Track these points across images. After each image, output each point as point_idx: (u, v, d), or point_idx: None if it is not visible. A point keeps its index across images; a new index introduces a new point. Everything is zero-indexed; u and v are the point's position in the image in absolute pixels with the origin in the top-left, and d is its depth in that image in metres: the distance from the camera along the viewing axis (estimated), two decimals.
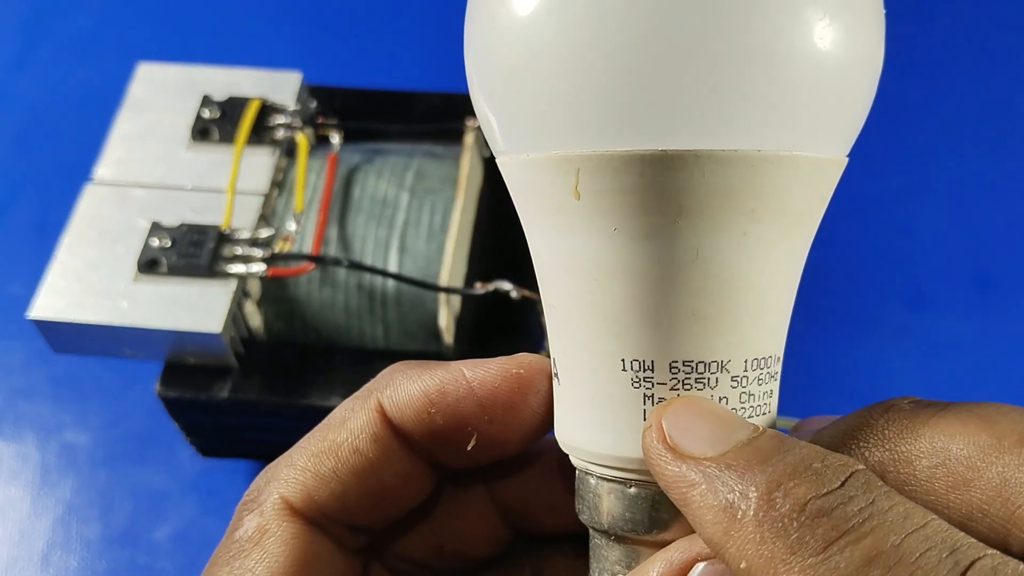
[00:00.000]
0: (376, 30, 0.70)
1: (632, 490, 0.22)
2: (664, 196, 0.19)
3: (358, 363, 0.46)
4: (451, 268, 0.46)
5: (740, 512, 0.18)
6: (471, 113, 0.50)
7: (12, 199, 0.63)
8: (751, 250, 0.20)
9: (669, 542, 0.21)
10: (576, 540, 0.25)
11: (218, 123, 0.49)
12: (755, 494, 0.18)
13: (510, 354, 0.24)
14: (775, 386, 0.22)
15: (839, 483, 0.18)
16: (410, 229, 0.47)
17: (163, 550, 0.50)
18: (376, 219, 0.48)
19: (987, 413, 0.20)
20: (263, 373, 0.45)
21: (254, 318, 0.46)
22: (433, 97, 0.53)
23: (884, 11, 0.21)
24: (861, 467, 0.18)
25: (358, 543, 0.26)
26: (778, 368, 0.22)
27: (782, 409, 0.23)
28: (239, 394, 0.45)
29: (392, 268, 0.47)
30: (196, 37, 0.70)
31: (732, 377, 0.21)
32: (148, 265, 0.44)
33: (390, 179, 0.49)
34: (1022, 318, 0.57)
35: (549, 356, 0.23)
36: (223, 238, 0.45)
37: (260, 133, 0.49)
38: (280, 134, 0.49)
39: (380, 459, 0.24)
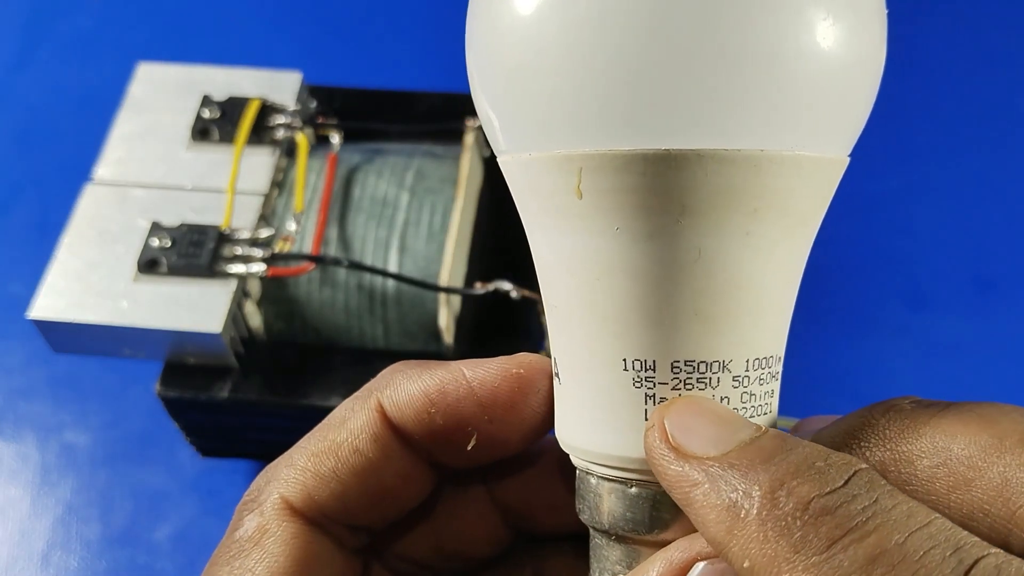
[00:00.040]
0: (376, 30, 0.70)
1: (633, 490, 0.22)
2: (666, 195, 0.19)
3: (358, 363, 0.46)
4: (451, 268, 0.46)
5: (743, 511, 0.18)
6: (471, 113, 0.50)
7: (12, 199, 0.63)
8: (753, 250, 0.20)
9: (669, 542, 0.21)
10: (577, 540, 0.25)
11: (218, 123, 0.49)
12: (758, 493, 0.18)
13: (510, 354, 0.24)
14: (776, 386, 0.22)
15: (842, 482, 0.18)
16: (410, 229, 0.47)
17: (163, 550, 0.50)
18: (376, 219, 0.48)
19: (988, 413, 0.20)
20: (263, 373, 0.45)
21: (254, 318, 0.46)
22: (433, 97, 0.53)
23: (887, 11, 0.21)
24: (864, 466, 0.18)
25: (358, 543, 0.26)
26: (779, 368, 0.22)
27: (782, 409, 0.23)
28: (239, 394, 0.45)
29: (392, 268, 0.47)
30: (196, 37, 0.70)
31: (734, 377, 0.21)
32: (148, 265, 0.44)
33: (390, 179, 0.49)
34: (1022, 318, 0.57)
35: (550, 356, 0.23)
36: (223, 238, 0.45)
37: (260, 133, 0.49)
38: (280, 134, 0.49)
39: (380, 459, 0.24)
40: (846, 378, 0.55)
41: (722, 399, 0.21)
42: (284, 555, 0.23)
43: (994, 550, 0.16)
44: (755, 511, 0.18)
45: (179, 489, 0.52)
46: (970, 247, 0.59)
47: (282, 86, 0.51)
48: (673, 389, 0.21)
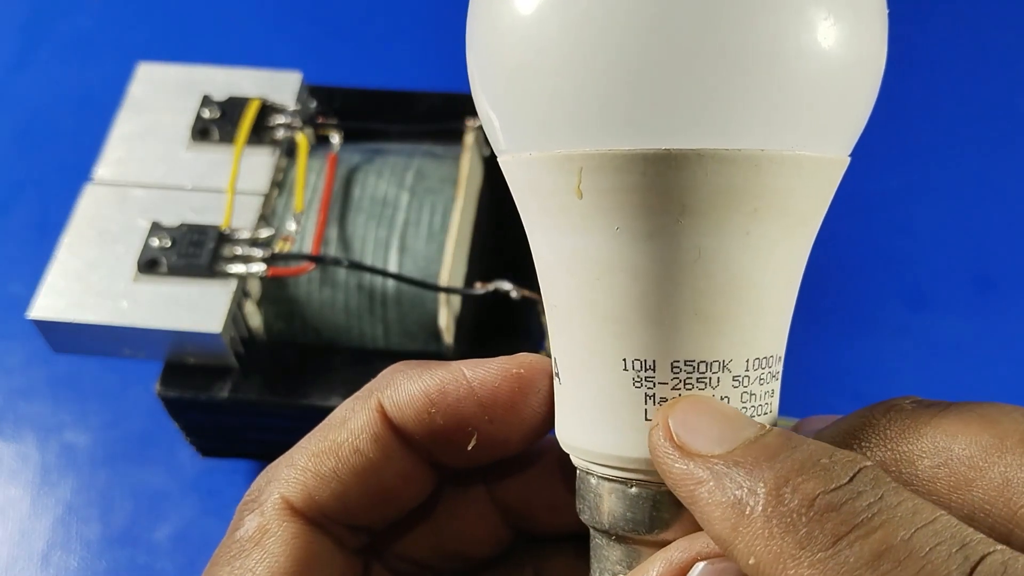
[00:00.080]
0: (376, 30, 0.70)
1: (633, 490, 0.22)
2: (667, 195, 0.19)
3: (358, 363, 0.46)
4: (451, 268, 0.46)
5: (748, 508, 0.18)
6: (471, 113, 0.50)
7: (12, 199, 0.63)
8: (754, 250, 0.20)
9: (670, 542, 0.21)
10: (577, 540, 0.25)
11: (218, 123, 0.49)
12: (763, 490, 0.18)
13: (510, 354, 0.24)
14: (776, 386, 0.22)
15: (847, 479, 0.18)
16: (410, 229, 0.47)
17: (163, 550, 0.50)
18: (376, 219, 0.48)
19: (989, 413, 0.20)
20: (263, 373, 0.45)
21: (254, 318, 0.46)
22: (433, 97, 0.53)
23: (888, 10, 0.21)
24: (869, 463, 0.18)
25: (359, 543, 0.26)
26: (779, 368, 0.22)
27: (782, 409, 0.23)
28: (239, 394, 0.45)
29: (392, 268, 0.47)
30: (196, 37, 0.70)
31: (734, 377, 0.21)
32: (148, 265, 0.44)
33: (390, 179, 0.49)
34: (1022, 318, 0.57)
35: (550, 356, 0.23)
36: (223, 238, 0.45)
37: (260, 133, 0.49)
38: (280, 134, 0.49)
39: (381, 459, 0.24)
40: (846, 378, 0.55)
41: (722, 399, 0.21)
42: (285, 555, 0.23)
43: (1000, 547, 0.16)
44: (760, 508, 0.18)
45: (179, 489, 0.52)
46: (970, 247, 0.59)
47: (282, 86, 0.51)
48: (673, 389, 0.21)
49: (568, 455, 0.23)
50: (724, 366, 0.20)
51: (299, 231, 0.47)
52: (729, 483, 0.18)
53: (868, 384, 0.55)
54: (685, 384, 0.20)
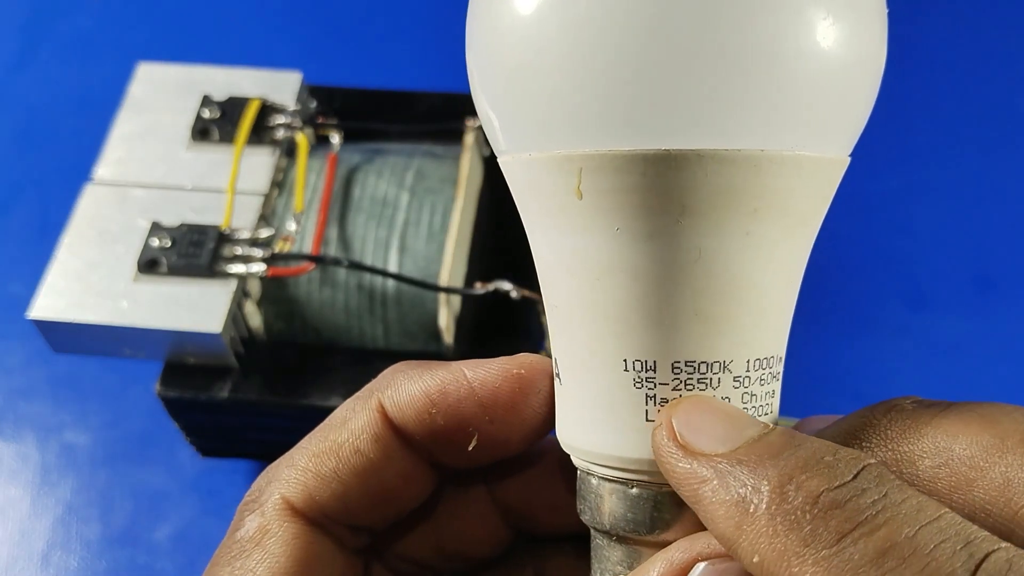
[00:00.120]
0: (376, 30, 0.70)
1: (634, 490, 0.22)
2: (667, 196, 0.19)
3: (358, 363, 0.46)
4: (451, 268, 0.46)
5: (752, 506, 0.18)
6: (471, 113, 0.50)
7: (12, 199, 0.63)
8: (754, 250, 0.20)
9: (670, 542, 0.21)
10: (578, 540, 0.25)
11: (218, 123, 0.49)
12: (767, 488, 0.18)
13: (510, 354, 0.24)
14: (777, 386, 0.22)
15: (851, 476, 0.18)
16: (410, 229, 0.47)
17: (163, 550, 0.50)
18: (376, 219, 0.48)
19: (990, 413, 0.20)
20: (263, 373, 0.45)
21: (254, 318, 0.46)
22: (433, 97, 0.53)
23: (887, 10, 0.21)
24: (873, 461, 0.18)
25: (359, 543, 0.26)
26: (780, 368, 0.22)
27: (783, 409, 0.23)
28: (239, 394, 0.45)
29: (392, 268, 0.47)
30: (196, 37, 0.70)
31: (734, 377, 0.21)
32: (148, 265, 0.44)
33: (390, 179, 0.49)
34: (1022, 318, 0.57)
35: (550, 356, 0.23)
36: (223, 238, 0.45)
37: (260, 133, 0.49)
38: (280, 134, 0.49)
39: (381, 459, 0.24)
40: (846, 378, 0.55)
41: (723, 399, 0.21)
42: (285, 555, 0.23)
43: (1005, 544, 0.16)
44: (764, 506, 0.18)
45: (179, 489, 0.52)
46: (970, 247, 0.59)
47: (282, 86, 0.51)
48: (674, 390, 0.21)
49: (569, 455, 0.23)
50: (725, 367, 0.20)
51: (299, 231, 0.47)
52: (733, 481, 0.18)
53: (868, 384, 0.55)
54: (686, 385, 0.20)
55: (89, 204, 0.47)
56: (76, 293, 0.44)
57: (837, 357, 0.56)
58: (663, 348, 0.20)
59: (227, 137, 0.49)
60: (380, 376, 0.25)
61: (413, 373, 0.24)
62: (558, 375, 0.23)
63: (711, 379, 0.20)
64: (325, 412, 0.25)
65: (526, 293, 0.44)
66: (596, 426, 0.21)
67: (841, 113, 0.20)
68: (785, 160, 0.19)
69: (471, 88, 0.22)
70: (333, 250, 0.47)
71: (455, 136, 0.51)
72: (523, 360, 0.24)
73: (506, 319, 0.49)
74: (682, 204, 0.19)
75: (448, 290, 0.45)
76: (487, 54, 0.21)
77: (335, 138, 0.50)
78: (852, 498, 0.17)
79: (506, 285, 0.45)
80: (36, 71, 0.69)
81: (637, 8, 0.18)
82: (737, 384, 0.21)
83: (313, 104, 0.52)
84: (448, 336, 0.46)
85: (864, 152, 0.24)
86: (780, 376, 0.22)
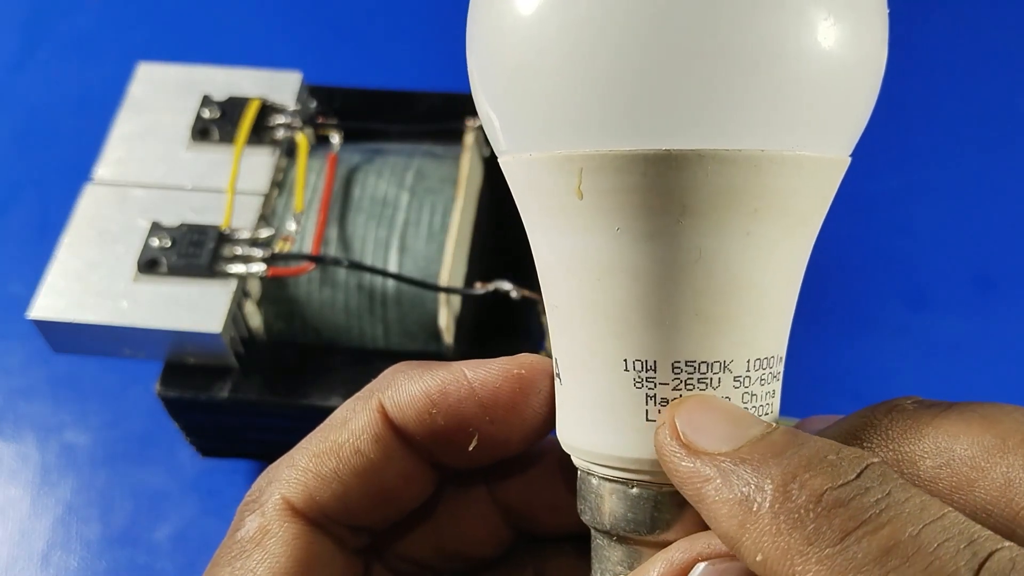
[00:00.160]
0: (376, 30, 0.70)
1: (634, 490, 0.22)
2: (667, 196, 0.19)
3: (358, 363, 0.46)
4: (451, 268, 0.46)
5: (756, 504, 0.18)
6: (471, 113, 0.50)
7: (12, 199, 0.63)
8: (754, 250, 0.20)
9: (671, 542, 0.21)
10: (578, 540, 0.25)
11: (218, 123, 0.49)
12: (770, 486, 0.18)
13: (510, 354, 0.24)
14: (777, 386, 0.22)
15: (855, 475, 0.18)
16: (410, 229, 0.47)
17: (163, 550, 0.50)
18: (376, 219, 0.48)
19: (991, 413, 0.20)
20: (263, 373, 0.45)
21: (254, 318, 0.46)
22: (433, 97, 0.53)
23: (888, 11, 0.21)
24: (876, 460, 0.18)
25: (359, 543, 0.26)
26: (780, 368, 0.22)
27: (783, 409, 0.23)
28: (239, 394, 0.45)
29: (392, 268, 0.47)
30: (196, 37, 0.70)
31: (735, 377, 0.21)
32: (148, 265, 0.44)
33: (390, 179, 0.49)
34: (1022, 318, 0.57)
35: (550, 356, 0.23)
36: (223, 238, 0.45)
37: (260, 133, 0.49)
38: (280, 134, 0.49)
39: (381, 460, 0.24)
40: (846, 378, 0.55)
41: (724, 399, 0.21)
42: (285, 556, 0.23)
43: (1008, 543, 0.16)
44: (768, 504, 0.18)
45: (179, 489, 0.52)
46: (970, 247, 0.59)
47: (282, 86, 0.51)
48: (674, 390, 0.21)
49: (569, 455, 0.23)
50: (725, 367, 0.20)
51: (299, 231, 0.47)
52: (736, 480, 0.18)
53: (868, 384, 0.55)
54: (686, 385, 0.20)
55: (89, 204, 0.47)
56: (76, 293, 0.44)
57: (837, 357, 0.56)
58: (663, 348, 0.20)
59: (227, 137, 0.49)
60: (380, 376, 0.25)
61: (413, 373, 0.24)
62: (558, 375, 0.23)
63: (711, 379, 0.20)
64: (325, 412, 0.25)
65: (526, 293, 0.44)
66: (596, 426, 0.21)
67: (842, 113, 0.20)
68: (786, 160, 0.19)
69: (472, 88, 0.22)
70: (333, 250, 0.47)
71: (455, 136, 0.51)
72: (523, 360, 0.24)
73: (506, 319, 0.49)
74: (683, 204, 0.19)
75: (448, 290, 0.45)
76: (488, 54, 0.21)
77: (335, 138, 0.50)
78: (856, 497, 0.17)
79: (506, 285, 0.45)
80: (36, 71, 0.69)
81: (638, 8, 0.18)
82: (737, 384, 0.21)
83: (313, 104, 0.52)
84: (448, 336, 0.46)
85: (864, 152, 0.24)
86: (780, 376, 0.22)
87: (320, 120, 0.51)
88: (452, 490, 0.27)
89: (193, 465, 0.53)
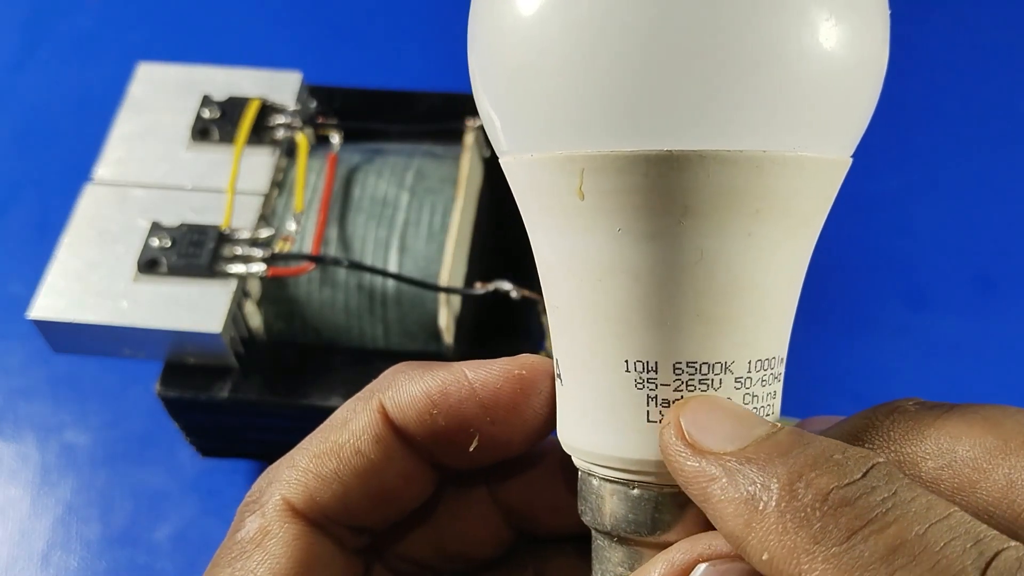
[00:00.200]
0: (376, 30, 0.70)
1: (635, 491, 0.22)
2: (668, 196, 0.19)
3: (358, 363, 0.46)
4: (451, 268, 0.46)
5: (762, 503, 0.18)
6: (471, 113, 0.50)
7: (12, 199, 0.63)
8: (756, 251, 0.20)
9: (671, 543, 0.21)
10: (579, 541, 0.25)
11: (218, 123, 0.49)
12: (776, 485, 0.18)
13: (511, 354, 0.24)
14: (779, 387, 0.22)
15: (860, 474, 0.18)
16: (410, 229, 0.47)
17: (163, 550, 0.50)
18: (376, 219, 0.48)
19: (992, 415, 0.20)
20: (263, 373, 0.45)
21: (254, 318, 0.46)
22: (433, 97, 0.53)
23: (889, 11, 0.21)
24: (882, 459, 0.18)
25: (360, 544, 0.26)
26: (782, 369, 0.22)
27: (783, 409, 0.23)
28: (239, 394, 0.45)
29: (392, 268, 0.47)
30: (196, 37, 0.70)
31: (736, 378, 0.21)
32: (148, 265, 0.44)
33: (390, 179, 0.49)
34: (1022, 318, 0.57)
35: (550, 356, 0.23)
36: (223, 238, 0.45)
37: (260, 133, 0.49)
38: (280, 134, 0.49)
39: (382, 460, 0.24)
40: (846, 378, 0.55)
41: None
42: (286, 556, 0.23)
43: (1014, 543, 0.16)
44: (774, 503, 0.17)
45: (179, 489, 0.52)
46: (970, 247, 0.59)
47: (282, 86, 0.51)
48: (675, 390, 0.20)
49: (570, 456, 0.23)
50: (726, 367, 0.20)
51: (299, 231, 0.47)
52: (742, 479, 0.18)
53: (868, 384, 0.55)
54: (687, 386, 0.20)
55: (89, 204, 0.47)
56: (76, 293, 0.44)
57: (837, 357, 0.56)
58: (664, 349, 0.20)
59: (227, 137, 0.49)
60: (381, 377, 0.25)
61: (414, 374, 0.24)
62: (559, 376, 0.23)
63: (712, 380, 0.20)
64: (325, 412, 0.25)
65: (526, 293, 0.44)
66: (597, 427, 0.21)
67: (843, 114, 0.20)
68: (787, 161, 0.19)
69: (473, 88, 0.22)
70: (333, 250, 0.47)
71: (455, 136, 0.51)
72: (524, 361, 0.24)
73: (506, 319, 0.49)
74: (684, 205, 0.19)
75: (448, 290, 0.45)
76: (489, 55, 0.21)
77: (335, 138, 0.50)
78: (862, 496, 0.17)
79: (506, 285, 0.45)
80: (36, 71, 0.69)
81: (639, 9, 0.18)
82: (739, 385, 0.21)
83: (313, 104, 0.52)
84: (448, 336, 0.46)
85: (864, 152, 0.24)
86: (781, 377, 0.22)
87: (320, 120, 0.51)
88: (453, 490, 0.27)
89: (193, 465, 0.53)
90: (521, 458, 0.26)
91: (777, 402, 0.22)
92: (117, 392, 0.55)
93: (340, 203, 0.48)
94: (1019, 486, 0.19)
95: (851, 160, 0.21)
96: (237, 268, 0.44)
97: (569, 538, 0.27)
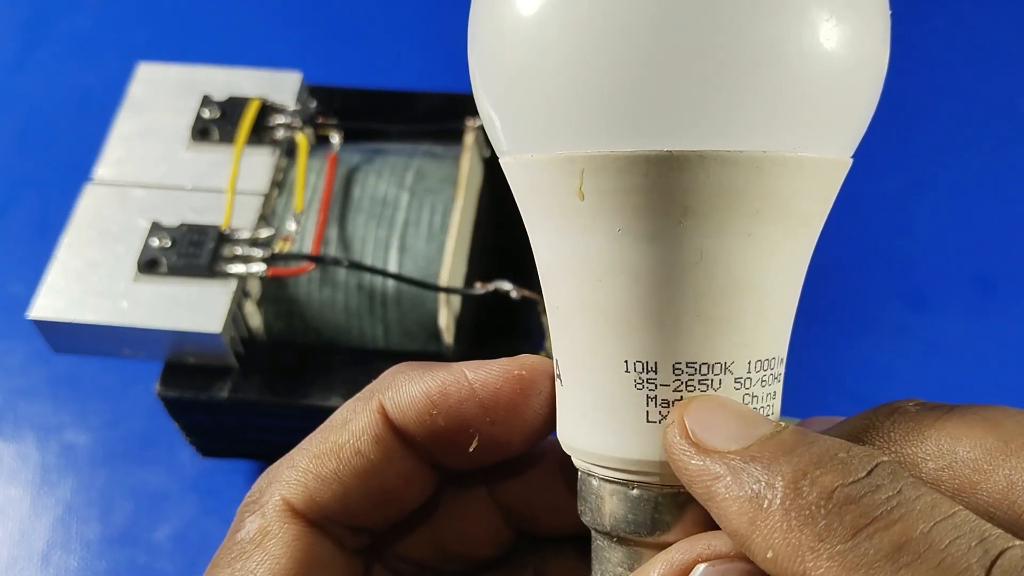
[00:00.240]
0: (376, 30, 0.70)
1: (634, 492, 0.22)
2: (668, 197, 0.19)
3: (358, 363, 0.46)
4: (451, 268, 0.46)
5: (766, 502, 0.18)
6: (471, 113, 0.50)
7: (12, 199, 0.63)
8: (756, 251, 0.20)
9: (671, 544, 0.21)
10: (579, 541, 0.25)
11: (218, 123, 0.49)
12: (781, 484, 0.18)
13: (510, 354, 0.24)
14: (778, 387, 0.22)
15: (865, 472, 0.18)
16: (410, 229, 0.47)
17: (163, 550, 0.50)
18: (376, 219, 0.48)
19: (993, 416, 0.20)
20: (263, 373, 0.45)
21: (254, 318, 0.46)
22: (433, 97, 0.53)
23: (890, 12, 0.21)
24: (886, 458, 0.18)
25: (360, 544, 0.26)
26: (781, 369, 0.22)
27: (783, 410, 0.23)
28: (239, 394, 0.45)
29: (392, 268, 0.47)
30: (196, 37, 0.70)
31: (736, 379, 0.21)
32: (148, 265, 0.44)
33: (390, 179, 0.49)
34: (1022, 318, 0.57)
35: (550, 357, 0.23)
36: (223, 238, 0.45)
37: (260, 133, 0.49)
38: (280, 134, 0.49)
39: (382, 460, 0.24)
40: (846, 378, 0.55)
41: None
42: (286, 556, 0.23)
43: (1019, 542, 0.16)
44: (778, 501, 0.17)
45: (179, 489, 0.52)
46: (970, 247, 0.59)
47: (282, 86, 0.51)
48: (675, 391, 0.20)
49: (570, 456, 0.23)
50: (726, 368, 0.20)
51: (299, 231, 0.47)
52: (746, 478, 0.18)
53: (868, 384, 0.55)
54: (687, 386, 0.20)
55: (89, 204, 0.47)
56: (76, 293, 0.44)
57: (837, 357, 0.56)
58: (664, 349, 0.20)
59: (227, 137, 0.49)
60: (381, 377, 0.25)
61: (414, 374, 0.24)
62: (559, 376, 0.23)
63: (712, 380, 0.20)
64: (325, 412, 0.25)
65: (526, 293, 0.44)
66: (597, 427, 0.21)
67: (844, 114, 0.20)
68: (787, 161, 0.19)
69: (473, 89, 0.22)
70: (333, 250, 0.47)
71: (455, 136, 0.51)
72: (524, 361, 0.24)
73: (506, 319, 0.49)
74: (684, 205, 0.19)
75: (448, 290, 0.45)
76: (489, 55, 0.21)
77: (335, 138, 0.50)
78: (866, 494, 0.17)
79: (506, 285, 0.45)
80: (36, 71, 0.69)
81: (639, 9, 0.18)
82: (738, 385, 0.21)
83: (313, 104, 0.52)
84: (448, 336, 0.46)
85: (864, 152, 0.24)
86: (781, 377, 0.22)
87: (320, 120, 0.51)
88: (452, 491, 0.27)
89: (193, 465, 0.53)
90: (521, 458, 0.26)
91: (777, 402, 0.22)
92: (117, 392, 0.55)
93: (340, 203, 0.48)
94: (1019, 487, 0.19)
95: (851, 160, 0.21)
96: (237, 268, 0.44)
97: (569, 538, 0.27)
